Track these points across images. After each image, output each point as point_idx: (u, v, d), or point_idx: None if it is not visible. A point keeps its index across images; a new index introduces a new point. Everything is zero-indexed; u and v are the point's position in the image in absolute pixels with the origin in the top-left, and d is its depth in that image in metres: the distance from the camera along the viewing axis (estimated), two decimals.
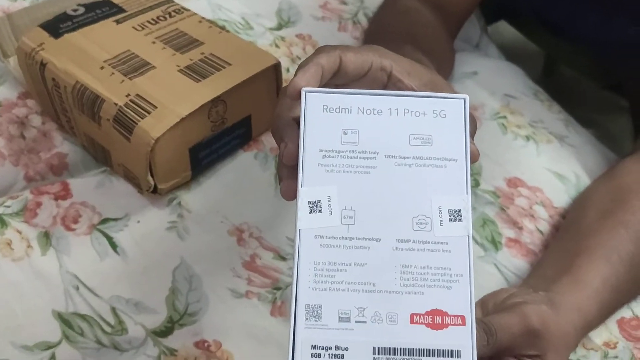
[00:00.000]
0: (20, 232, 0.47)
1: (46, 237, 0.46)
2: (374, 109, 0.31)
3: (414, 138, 0.31)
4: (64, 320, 0.43)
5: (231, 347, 0.42)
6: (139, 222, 0.48)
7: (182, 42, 0.51)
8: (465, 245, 0.30)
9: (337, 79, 0.32)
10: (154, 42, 0.51)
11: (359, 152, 0.31)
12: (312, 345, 0.29)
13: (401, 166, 0.31)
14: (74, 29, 0.51)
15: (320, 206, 0.30)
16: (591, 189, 0.52)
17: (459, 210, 0.30)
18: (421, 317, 0.29)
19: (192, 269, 0.46)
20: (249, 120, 0.52)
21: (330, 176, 0.30)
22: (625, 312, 0.46)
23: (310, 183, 0.30)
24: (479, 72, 0.64)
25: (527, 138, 0.58)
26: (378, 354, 0.29)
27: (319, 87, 0.32)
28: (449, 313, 0.29)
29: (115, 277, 0.45)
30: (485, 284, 0.46)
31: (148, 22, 0.53)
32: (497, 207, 0.52)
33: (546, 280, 0.42)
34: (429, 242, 0.30)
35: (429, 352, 0.29)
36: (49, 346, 0.41)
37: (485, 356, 0.34)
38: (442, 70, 0.51)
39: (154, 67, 0.48)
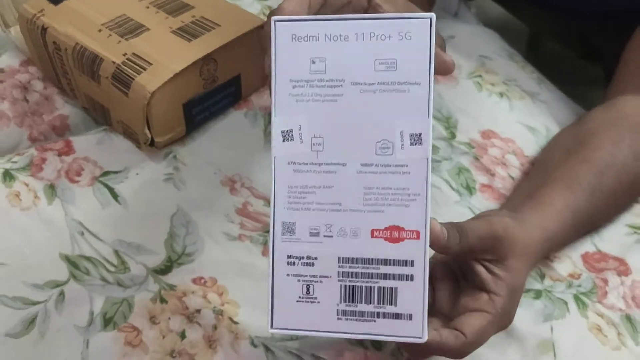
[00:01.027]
0: (27, 185, 0.50)
1: (52, 189, 0.50)
2: (340, 35, 0.33)
3: (379, 63, 0.33)
4: (70, 262, 0.46)
5: (226, 282, 0.46)
6: (137, 174, 0.52)
7: (173, 7, 0.55)
8: (424, 168, 0.33)
9: (323, 10, 0.34)
10: (147, 7, 0.54)
11: (327, 81, 0.33)
12: (287, 255, 0.34)
13: (366, 92, 0.33)
14: None
15: (292, 135, 0.34)
16: (558, 135, 0.56)
17: (420, 134, 0.33)
18: (381, 232, 0.33)
19: (189, 215, 0.50)
20: (239, 80, 0.55)
21: (300, 105, 0.33)
22: (589, 247, 0.50)
23: (282, 113, 0.33)
24: (456, 35, 0.67)
25: (501, 95, 0.61)
26: (342, 262, 0.34)
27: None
28: (405, 228, 0.33)
29: (117, 223, 0.49)
30: None
31: None
32: (471, 157, 0.56)
33: (514, 208, 0.46)
34: (390, 165, 0.33)
35: (385, 262, 0.34)
36: (57, 284, 0.45)
37: (456, 254, 0.38)
38: None
39: (148, 29, 0.52)
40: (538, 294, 0.47)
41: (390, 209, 0.33)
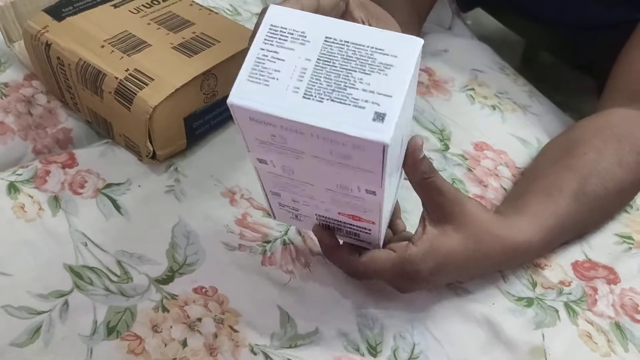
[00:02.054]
0: (31, 197, 0.51)
1: (56, 201, 0.51)
2: (296, 130, 0.33)
3: (335, 154, 0.34)
4: (74, 272, 0.47)
5: (226, 291, 0.47)
6: (139, 186, 0.53)
7: (175, 23, 0.56)
8: (379, 203, 0.37)
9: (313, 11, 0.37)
10: (149, 24, 0.56)
11: (289, 149, 0.35)
12: (278, 203, 0.44)
13: (325, 162, 0.34)
14: (75, 13, 0.56)
15: (266, 162, 0.37)
16: (547, 144, 0.58)
17: (374, 191, 0.36)
18: (345, 215, 0.41)
19: (189, 226, 0.51)
20: None
21: (268, 151, 0.36)
22: (578, 256, 0.52)
23: (254, 152, 0.37)
24: (449, 49, 0.69)
25: (493, 107, 0.63)
26: (319, 216, 0.43)
27: None
28: (364, 218, 0.41)
29: (119, 234, 0.50)
30: None
31: (143, 5, 0.58)
32: (464, 168, 0.57)
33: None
34: (349, 195, 0.38)
35: (351, 224, 0.43)
36: (62, 294, 0.46)
37: (418, 184, 0.40)
38: None
39: (150, 45, 0.53)
40: (530, 302, 0.48)
41: (353, 210, 0.39)
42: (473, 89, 0.65)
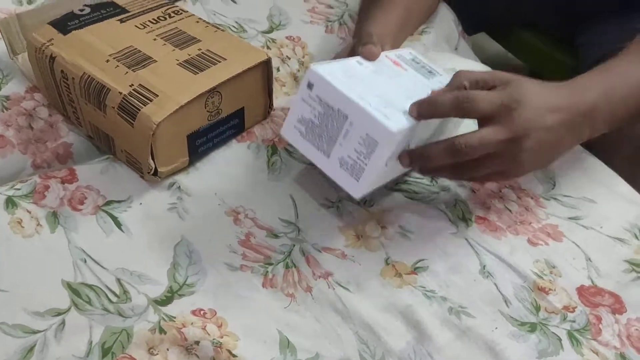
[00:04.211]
0: (29, 212, 0.50)
1: (54, 217, 0.50)
2: None
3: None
4: (72, 289, 0.46)
5: (225, 314, 0.46)
6: (141, 204, 0.52)
7: (181, 39, 0.56)
8: None
9: None
10: (155, 39, 0.55)
11: None
12: None
13: None
14: (80, 27, 0.55)
15: None
16: None
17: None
18: None
19: (192, 245, 0.50)
20: (242, 112, 0.56)
21: None
22: (584, 281, 0.51)
23: None
24: (457, 68, 0.68)
25: None
26: None
27: None
28: None
29: (120, 251, 0.49)
30: (458, 255, 0.51)
31: (149, 21, 0.57)
32: (468, 190, 0.56)
33: None
34: None
35: None
36: (59, 312, 0.45)
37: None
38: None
39: (155, 60, 0.53)
40: (533, 327, 0.48)
41: None
42: None
